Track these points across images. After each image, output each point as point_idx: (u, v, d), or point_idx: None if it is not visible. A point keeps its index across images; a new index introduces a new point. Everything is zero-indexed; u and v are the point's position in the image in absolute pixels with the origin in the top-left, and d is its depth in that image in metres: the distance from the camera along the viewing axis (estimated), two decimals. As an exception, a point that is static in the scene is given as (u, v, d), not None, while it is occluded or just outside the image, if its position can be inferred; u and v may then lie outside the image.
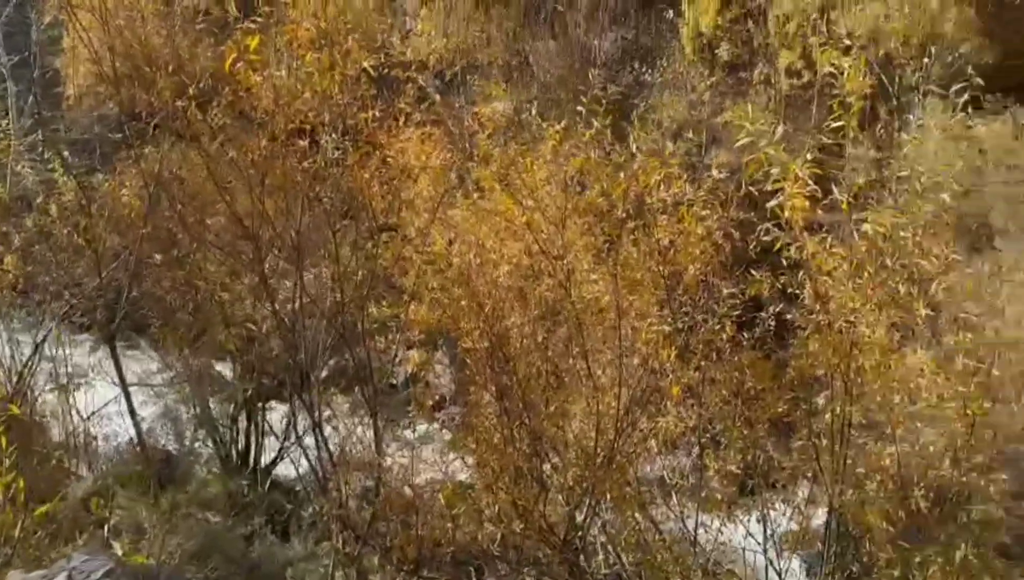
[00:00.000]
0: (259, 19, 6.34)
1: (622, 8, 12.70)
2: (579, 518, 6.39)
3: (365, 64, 6.44)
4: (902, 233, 4.89)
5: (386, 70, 7.23)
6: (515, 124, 8.15)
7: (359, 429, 8.20)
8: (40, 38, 14.16)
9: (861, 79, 5.35)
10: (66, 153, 10.10)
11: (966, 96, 5.28)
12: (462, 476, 7.73)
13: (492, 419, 6.79)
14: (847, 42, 8.62)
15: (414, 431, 9.45)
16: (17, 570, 3.89)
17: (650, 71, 12.05)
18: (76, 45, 11.63)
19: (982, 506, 5.04)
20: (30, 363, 9.69)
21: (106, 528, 6.93)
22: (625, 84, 11.83)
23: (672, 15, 12.25)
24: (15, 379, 9.24)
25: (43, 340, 9.86)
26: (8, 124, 12.10)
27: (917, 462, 5.14)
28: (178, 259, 9.30)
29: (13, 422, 6.63)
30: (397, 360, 8.63)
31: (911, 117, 8.93)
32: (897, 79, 9.07)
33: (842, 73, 5.25)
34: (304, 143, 6.92)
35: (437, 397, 11.23)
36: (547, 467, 6.52)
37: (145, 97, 7.31)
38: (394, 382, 9.90)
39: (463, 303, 6.65)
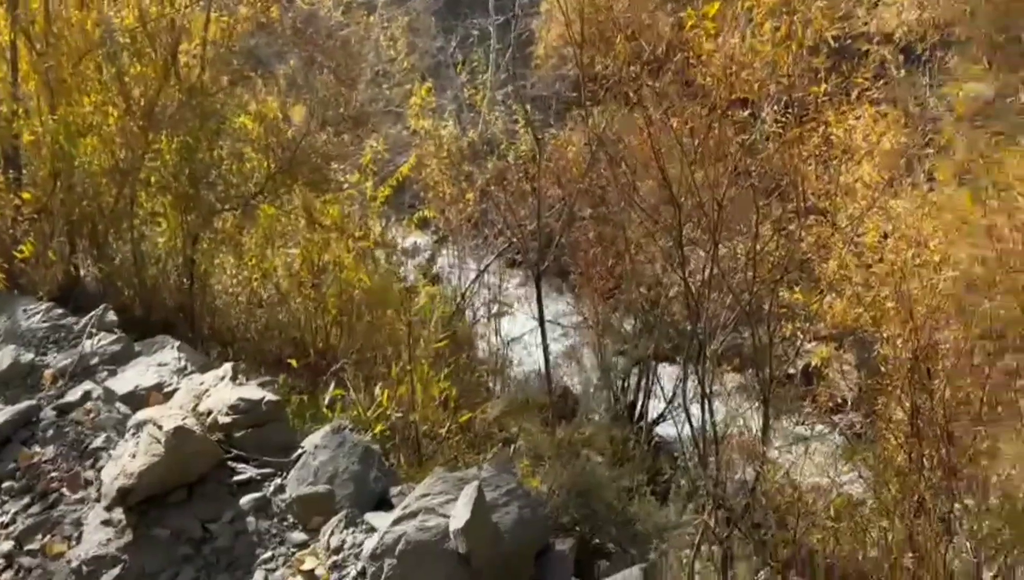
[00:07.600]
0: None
1: None
2: (987, 576, 5.54)
3: (827, 35, 6.02)
4: None
5: (848, 41, 6.69)
6: (993, 111, 6.99)
7: (747, 413, 7.98)
8: (524, 1, 15.81)
9: None
10: (528, 107, 11.21)
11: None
12: (853, 489, 7.11)
13: (900, 439, 6.17)
14: None
15: (808, 430, 8.92)
16: (440, 466, 4.55)
17: None
18: (552, 8, 12.79)
19: None
20: (471, 287, 11.25)
21: (512, 448, 7.74)
22: None
23: None
24: (459, 298, 10.76)
25: (484, 269, 11.38)
26: (487, 77, 13.81)
27: None
28: (605, 216, 9.93)
29: (452, 336, 7.73)
30: (799, 351, 8.14)
31: None
32: None
33: None
34: (744, 114, 6.76)
35: (838, 399, 10.45)
36: (957, 507, 5.73)
37: (602, 61, 7.73)
38: (791, 373, 9.40)
39: (889, 305, 6.05)
